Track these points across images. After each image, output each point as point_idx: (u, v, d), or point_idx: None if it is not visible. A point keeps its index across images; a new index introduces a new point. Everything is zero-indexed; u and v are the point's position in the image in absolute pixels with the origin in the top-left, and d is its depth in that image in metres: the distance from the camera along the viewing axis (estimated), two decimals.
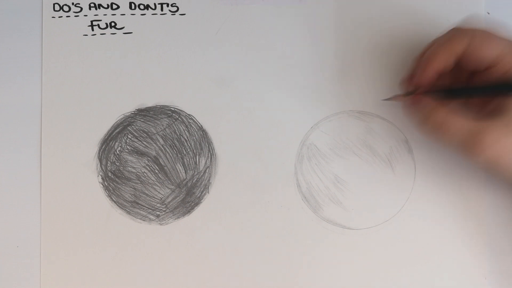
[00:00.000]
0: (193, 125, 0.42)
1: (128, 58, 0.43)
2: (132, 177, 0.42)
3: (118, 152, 0.42)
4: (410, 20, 0.42)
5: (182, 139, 0.42)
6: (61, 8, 0.43)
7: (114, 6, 0.43)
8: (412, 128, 0.41)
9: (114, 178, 0.42)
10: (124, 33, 0.43)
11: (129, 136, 0.42)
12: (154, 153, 0.42)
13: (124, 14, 0.43)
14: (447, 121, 0.34)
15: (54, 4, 0.43)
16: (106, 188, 0.42)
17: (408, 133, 0.42)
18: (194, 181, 0.42)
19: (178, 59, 0.43)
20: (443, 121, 0.34)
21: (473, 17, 0.42)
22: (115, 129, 0.42)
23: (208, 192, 0.42)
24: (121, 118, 0.42)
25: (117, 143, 0.42)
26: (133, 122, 0.42)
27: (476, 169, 0.41)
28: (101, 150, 0.42)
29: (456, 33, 0.35)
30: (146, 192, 0.42)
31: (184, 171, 0.42)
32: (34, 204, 0.42)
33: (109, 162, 0.42)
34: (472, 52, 0.34)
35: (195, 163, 0.42)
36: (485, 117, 0.34)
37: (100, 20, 0.43)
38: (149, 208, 0.42)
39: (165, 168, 0.42)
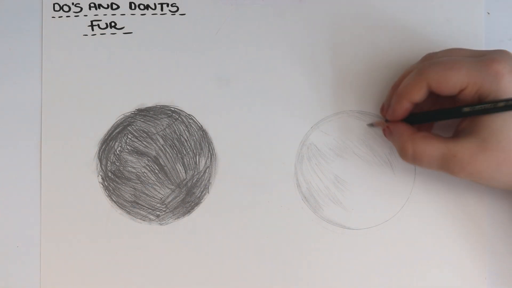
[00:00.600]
0: (193, 125, 0.42)
1: (128, 58, 0.43)
2: (132, 177, 0.42)
3: (118, 152, 0.42)
4: (410, 20, 0.42)
5: (182, 139, 0.42)
6: (61, 8, 0.43)
7: (114, 6, 0.43)
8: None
9: (114, 178, 0.42)
10: (124, 33, 0.43)
11: (129, 136, 0.42)
12: (154, 153, 0.42)
13: (124, 14, 0.43)
14: (421, 149, 0.35)
15: (54, 4, 0.43)
16: (106, 188, 0.42)
17: None
18: (194, 181, 0.42)
19: (178, 59, 0.43)
20: (417, 150, 0.35)
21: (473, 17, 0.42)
22: (115, 129, 0.42)
23: (208, 192, 0.42)
24: (121, 118, 0.42)
25: (117, 143, 0.42)
26: (133, 122, 0.42)
27: None
28: (101, 150, 0.42)
29: (424, 65, 0.36)
30: (146, 192, 0.42)
31: (184, 171, 0.42)
32: (34, 204, 0.42)
33: (109, 162, 0.42)
34: (441, 81, 0.34)
35: (195, 163, 0.42)
36: (457, 136, 0.35)
37: (100, 20, 0.43)
38: (149, 208, 0.42)
39: (165, 168, 0.42)
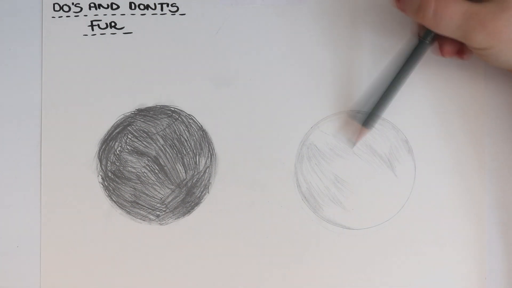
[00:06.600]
0: (193, 125, 0.42)
1: (128, 58, 0.43)
2: (132, 177, 0.42)
3: (118, 152, 0.42)
4: (410, 20, 0.42)
5: (182, 139, 0.42)
6: (61, 8, 0.43)
7: (114, 6, 0.43)
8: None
9: (114, 178, 0.42)
10: (124, 33, 0.43)
11: (129, 136, 0.42)
12: (154, 153, 0.42)
13: (124, 14, 0.43)
14: (443, 4, 0.35)
15: (54, 4, 0.43)
16: (106, 188, 0.42)
17: (408, 133, 0.42)
18: (194, 181, 0.42)
19: (178, 59, 0.43)
20: (440, 5, 0.35)
21: None
22: (115, 129, 0.42)
23: (208, 192, 0.42)
24: (121, 118, 0.42)
25: (117, 143, 0.42)
26: (133, 122, 0.42)
27: (477, 167, 0.41)
28: (101, 150, 0.42)
29: None
30: (146, 192, 0.42)
31: (184, 171, 0.42)
32: (34, 204, 0.42)
33: (109, 162, 0.42)
34: None
35: (195, 163, 0.42)
36: (478, 1, 0.35)
37: (100, 20, 0.43)
38: (149, 208, 0.42)
39: (165, 168, 0.42)
